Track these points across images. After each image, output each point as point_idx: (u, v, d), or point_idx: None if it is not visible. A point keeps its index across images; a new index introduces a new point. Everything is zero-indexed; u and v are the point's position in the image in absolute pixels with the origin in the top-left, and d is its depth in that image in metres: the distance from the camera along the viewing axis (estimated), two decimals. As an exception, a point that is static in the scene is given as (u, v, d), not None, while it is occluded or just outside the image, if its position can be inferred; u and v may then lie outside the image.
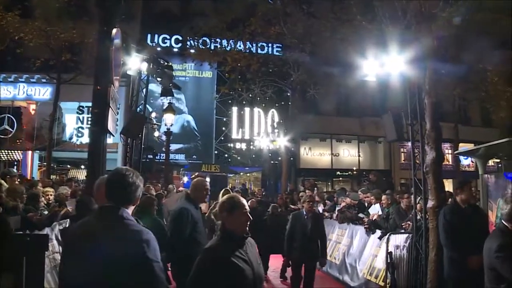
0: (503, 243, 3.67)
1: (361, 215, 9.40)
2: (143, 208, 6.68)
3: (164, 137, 21.76)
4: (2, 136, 21.19)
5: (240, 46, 18.82)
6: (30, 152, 22.09)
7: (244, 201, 3.16)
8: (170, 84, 10.10)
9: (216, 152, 25.51)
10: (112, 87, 6.16)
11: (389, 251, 7.37)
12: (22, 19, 15.34)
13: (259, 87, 20.94)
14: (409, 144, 7.91)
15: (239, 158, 24.68)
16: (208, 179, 21.93)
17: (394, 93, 13.35)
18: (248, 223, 3.09)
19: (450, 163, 24.26)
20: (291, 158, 22.63)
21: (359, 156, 25.75)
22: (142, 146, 20.79)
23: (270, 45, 22.11)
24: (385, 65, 7.80)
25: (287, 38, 16.13)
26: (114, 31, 6.10)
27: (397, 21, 7.23)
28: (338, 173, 25.30)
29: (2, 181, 7.03)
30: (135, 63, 9.15)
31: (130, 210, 2.56)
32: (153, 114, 18.86)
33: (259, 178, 26.66)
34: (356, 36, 11.14)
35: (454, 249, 5.46)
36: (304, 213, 7.07)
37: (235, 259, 2.90)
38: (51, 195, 9.02)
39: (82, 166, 23.32)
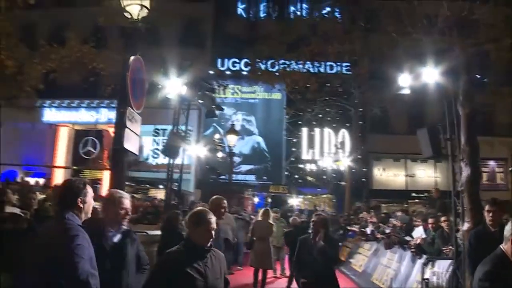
0: (491, 269, 3.19)
1: (408, 238, 8.77)
2: (168, 222, 6.90)
3: (235, 159, 22.34)
4: (86, 157, 23.14)
5: (306, 66, 18.86)
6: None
7: (212, 218, 3.27)
8: (213, 106, 10.32)
9: (286, 173, 25.35)
10: (129, 109, 6.41)
11: (425, 278, 6.76)
12: (96, 50, 16.70)
13: (320, 107, 20.59)
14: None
15: (310, 179, 24.29)
16: (269, 200, 22.04)
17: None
18: (211, 239, 3.23)
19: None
20: (363, 179, 21.84)
21: (436, 176, 24.05)
22: (207, 166, 21.51)
23: (339, 64, 21.78)
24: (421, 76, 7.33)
25: (346, 56, 15.82)
26: (131, 58, 6.38)
27: (428, 30, 6.81)
28: (414, 194, 23.77)
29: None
30: (175, 86, 9.47)
31: (81, 211, 2.98)
32: (216, 136, 19.36)
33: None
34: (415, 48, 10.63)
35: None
36: (311, 237, 5.69)
37: (189, 269, 3.03)
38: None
39: (161, 186, 24.47)
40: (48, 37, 16.66)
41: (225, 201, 5.69)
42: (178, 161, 21.67)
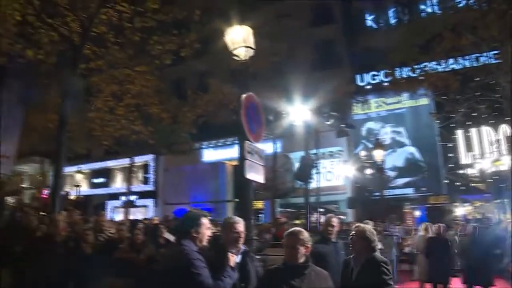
0: None
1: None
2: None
3: (389, 173, 21.68)
4: (245, 189, 24.89)
5: (448, 64, 17.64)
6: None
7: (293, 239, 3.58)
8: (342, 125, 10.42)
9: (446, 181, 23.46)
10: (247, 142, 7.00)
11: None
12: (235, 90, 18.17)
13: (468, 105, 18.65)
14: None
15: (473, 184, 22.07)
16: (425, 212, 20.63)
17: None
18: (295, 258, 3.49)
19: None
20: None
21: None
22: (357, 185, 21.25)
23: (485, 54, 19.72)
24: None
25: (485, 45, 14.30)
26: (243, 96, 7.02)
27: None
28: None
29: None
30: (300, 113, 9.89)
31: (196, 239, 3.66)
32: (362, 153, 19.09)
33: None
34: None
35: None
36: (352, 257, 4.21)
37: (285, 285, 3.35)
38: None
39: (321, 209, 24.89)
40: (193, 87, 18.78)
41: (334, 220, 6.01)
42: (335, 183, 21.94)
